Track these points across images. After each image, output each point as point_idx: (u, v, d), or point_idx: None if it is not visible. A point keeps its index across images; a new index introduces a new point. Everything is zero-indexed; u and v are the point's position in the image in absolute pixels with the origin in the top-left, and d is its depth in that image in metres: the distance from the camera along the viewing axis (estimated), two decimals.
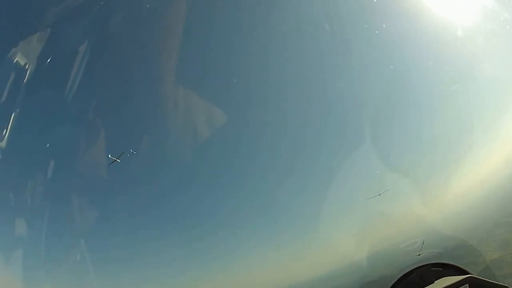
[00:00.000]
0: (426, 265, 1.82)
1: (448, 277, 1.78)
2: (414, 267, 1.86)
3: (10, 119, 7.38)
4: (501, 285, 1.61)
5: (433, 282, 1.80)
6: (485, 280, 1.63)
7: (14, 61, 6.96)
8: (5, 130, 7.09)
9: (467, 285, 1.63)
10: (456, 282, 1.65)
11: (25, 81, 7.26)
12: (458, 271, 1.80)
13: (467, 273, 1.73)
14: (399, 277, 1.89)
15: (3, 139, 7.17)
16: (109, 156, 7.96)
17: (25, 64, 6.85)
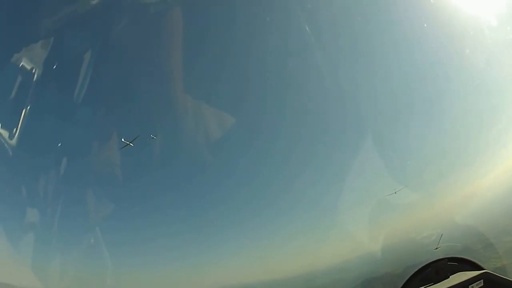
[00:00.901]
0: (442, 259, 1.87)
1: (463, 272, 1.83)
2: (431, 260, 1.91)
3: (20, 118, 7.47)
4: None
5: (448, 277, 1.85)
6: (501, 277, 1.68)
7: (22, 62, 7.07)
8: (15, 129, 7.21)
9: (482, 281, 1.68)
10: (471, 278, 1.70)
11: (31, 87, 7.36)
12: (474, 266, 1.84)
13: (482, 269, 1.78)
14: (416, 270, 1.94)
15: (13, 138, 7.29)
16: (122, 139, 8.02)
17: (34, 64, 6.97)
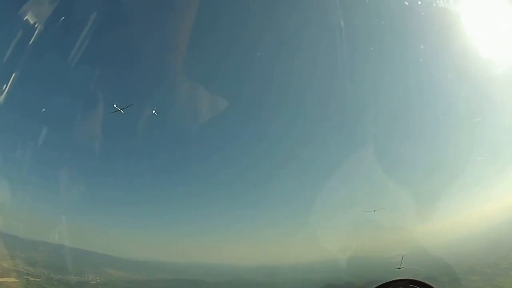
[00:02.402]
0: (404, 280, 1.90)
1: None
2: (392, 279, 1.93)
3: (11, 76, 7.31)
4: None
5: None
6: None
7: (23, 20, 6.82)
8: (5, 85, 7.06)
9: None
10: None
11: (31, 42, 7.17)
12: None
13: None
14: (375, 286, 1.96)
15: (2, 93, 7.11)
16: (114, 105, 8.00)
17: (34, 24, 6.72)
